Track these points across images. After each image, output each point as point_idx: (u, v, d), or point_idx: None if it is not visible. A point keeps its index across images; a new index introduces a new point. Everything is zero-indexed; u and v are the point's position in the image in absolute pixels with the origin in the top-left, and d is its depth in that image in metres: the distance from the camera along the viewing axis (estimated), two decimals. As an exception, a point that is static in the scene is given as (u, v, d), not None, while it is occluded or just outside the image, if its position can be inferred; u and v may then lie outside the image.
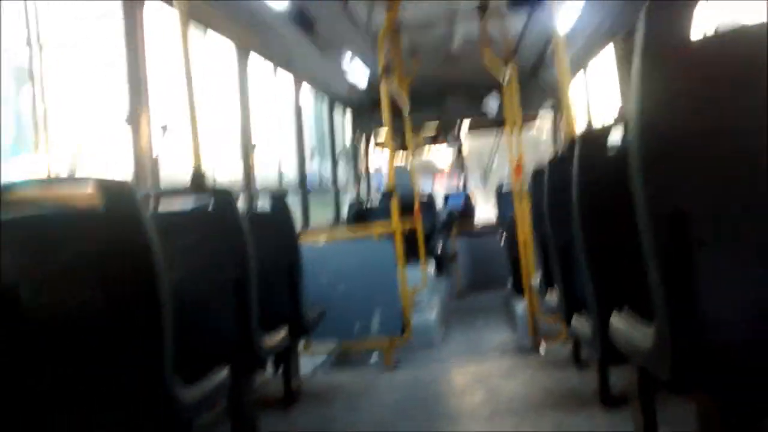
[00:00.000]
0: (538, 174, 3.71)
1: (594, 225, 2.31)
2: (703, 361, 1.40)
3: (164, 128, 3.57)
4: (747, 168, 1.34)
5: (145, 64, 3.49)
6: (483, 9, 5.85)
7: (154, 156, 3.51)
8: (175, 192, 2.86)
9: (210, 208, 2.70)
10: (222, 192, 2.72)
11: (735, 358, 1.39)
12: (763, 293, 1.36)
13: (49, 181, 2.43)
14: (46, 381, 1.94)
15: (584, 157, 2.32)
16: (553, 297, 3.50)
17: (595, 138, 2.36)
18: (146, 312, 1.99)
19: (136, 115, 3.44)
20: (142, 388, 2.02)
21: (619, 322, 1.89)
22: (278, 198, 3.58)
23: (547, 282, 3.73)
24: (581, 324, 2.69)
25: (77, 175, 2.83)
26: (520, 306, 5.83)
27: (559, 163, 3.01)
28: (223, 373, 2.41)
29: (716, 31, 1.40)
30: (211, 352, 2.61)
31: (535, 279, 4.46)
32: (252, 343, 2.78)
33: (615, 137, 2.30)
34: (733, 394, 1.44)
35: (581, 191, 2.33)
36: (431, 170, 14.00)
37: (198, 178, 2.96)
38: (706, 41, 1.37)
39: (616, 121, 2.34)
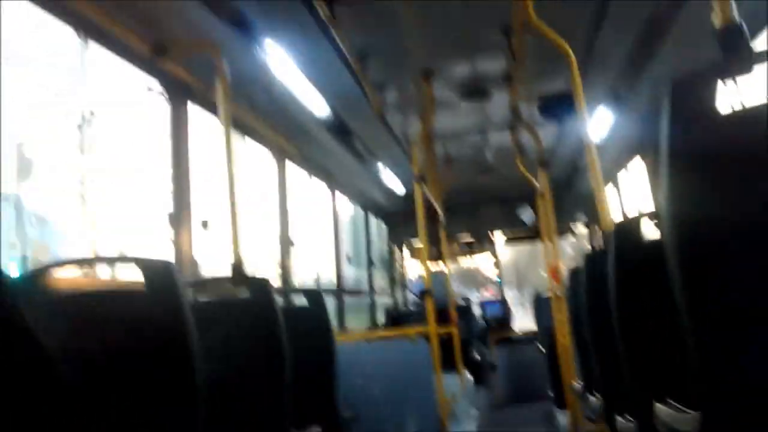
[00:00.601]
0: (574, 273, 3.68)
1: (632, 316, 2.27)
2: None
3: (205, 224, 3.68)
4: None
5: (188, 163, 3.65)
6: (515, 120, 6.01)
7: (194, 252, 3.60)
8: (215, 281, 2.92)
9: (248, 297, 2.74)
10: (259, 282, 2.76)
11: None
12: None
13: (95, 260, 2.52)
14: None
15: (620, 247, 2.31)
16: (595, 401, 3.39)
17: (629, 227, 2.36)
18: (182, 390, 1.99)
19: (179, 213, 3.56)
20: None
21: (661, 411, 1.83)
22: (314, 294, 3.61)
23: (588, 386, 3.62)
24: (624, 425, 2.59)
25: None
26: (562, 417, 5.63)
27: (596, 257, 2.99)
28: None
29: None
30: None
31: (576, 385, 4.33)
32: (284, 438, 2.73)
33: (649, 227, 2.31)
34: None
35: (618, 282, 2.30)
36: (478, 281, 13.86)
37: (237, 269, 3.02)
38: (735, 114, 1.38)
39: (651, 213, 2.34)
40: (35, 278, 2.04)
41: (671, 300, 1.42)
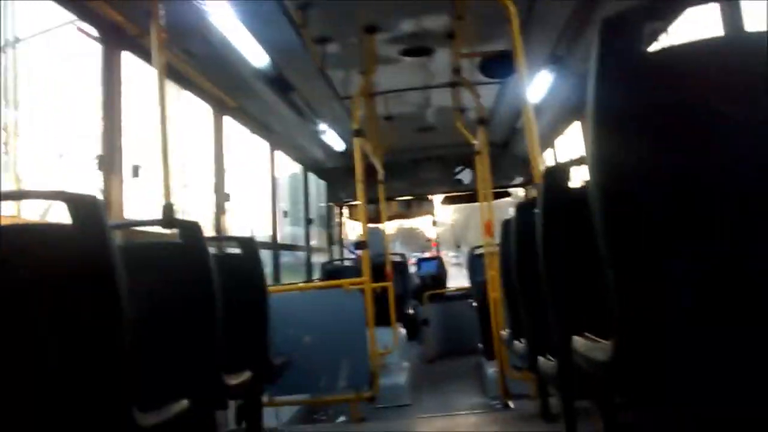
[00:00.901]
0: (506, 225, 3.76)
1: (556, 257, 2.35)
2: (662, 368, 1.42)
3: (136, 170, 3.62)
4: (705, 178, 1.37)
5: (120, 110, 3.57)
6: (456, 78, 6.05)
7: (124, 197, 3.54)
8: (143, 224, 2.88)
9: (178, 241, 2.72)
10: (190, 224, 2.74)
11: (697, 363, 1.40)
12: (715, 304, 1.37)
13: (19, 193, 2.45)
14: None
15: (548, 190, 2.38)
16: (520, 346, 3.50)
17: (558, 172, 2.43)
18: (106, 328, 1.98)
19: (109, 158, 3.49)
20: (97, 407, 1.99)
21: (578, 342, 1.92)
22: (247, 242, 3.60)
23: (516, 334, 3.74)
24: (546, 363, 2.69)
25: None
26: (490, 368, 5.81)
27: (526, 206, 3.06)
28: (182, 404, 2.38)
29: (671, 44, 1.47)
30: (172, 384, 2.57)
31: (504, 333, 4.47)
32: (214, 380, 2.75)
33: (579, 172, 2.39)
34: (696, 400, 1.44)
35: (544, 224, 2.38)
36: (420, 241, 13.96)
37: (167, 211, 2.99)
38: (661, 53, 1.42)
39: (579, 159, 2.41)
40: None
41: (594, 240, 1.48)
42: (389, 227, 7.86)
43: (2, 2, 2.93)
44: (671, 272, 1.38)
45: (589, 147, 1.44)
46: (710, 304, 1.37)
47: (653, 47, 1.41)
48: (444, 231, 12.61)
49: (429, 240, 14.10)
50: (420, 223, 13.23)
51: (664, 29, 4.13)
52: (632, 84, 1.41)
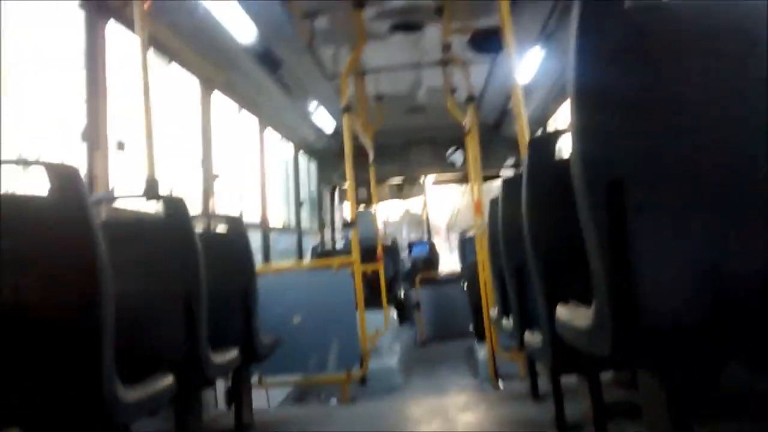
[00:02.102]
0: (494, 202, 3.72)
1: (542, 225, 2.32)
2: (643, 333, 1.40)
3: (121, 145, 3.55)
4: (681, 135, 1.37)
5: (104, 82, 3.49)
6: (446, 55, 5.98)
7: (108, 172, 3.48)
8: (126, 197, 2.83)
9: (162, 217, 2.66)
10: (174, 200, 2.68)
11: (674, 327, 1.39)
12: (698, 259, 1.36)
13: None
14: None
15: (532, 162, 2.35)
16: (508, 323, 3.47)
17: (544, 142, 2.39)
18: (86, 301, 1.93)
19: (93, 131, 3.42)
20: (78, 381, 1.95)
21: (562, 311, 1.89)
22: (235, 221, 3.54)
23: (504, 310, 3.71)
24: (532, 338, 2.66)
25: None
26: (481, 349, 5.80)
27: (513, 181, 3.02)
28: (166, 380, 2.34)
29: None
30: (157, 360, 2.53)
31: (493, 312, 4.45)
32: (199, 356, 2.70)
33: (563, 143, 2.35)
34: (674, 365, 1.43)
35: (529, 197, 2.34)
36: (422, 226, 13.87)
37: (151, 185, 2.93)
38: (640, 7, 1.40)
39: (564, 130, 2.37)
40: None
41: (577, 213, 1.46)
42: (393, 212, 7.83)
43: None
44: (647, 241, 1.38)
45: (572, 118, 1.44)
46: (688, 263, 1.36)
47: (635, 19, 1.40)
48: (454, 215, 12.55)
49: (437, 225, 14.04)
50: (433, 210, 13.12)
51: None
52: (611, 56, 1.41)
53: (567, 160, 1.78)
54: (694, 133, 1.36)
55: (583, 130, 1.41)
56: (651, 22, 1.41)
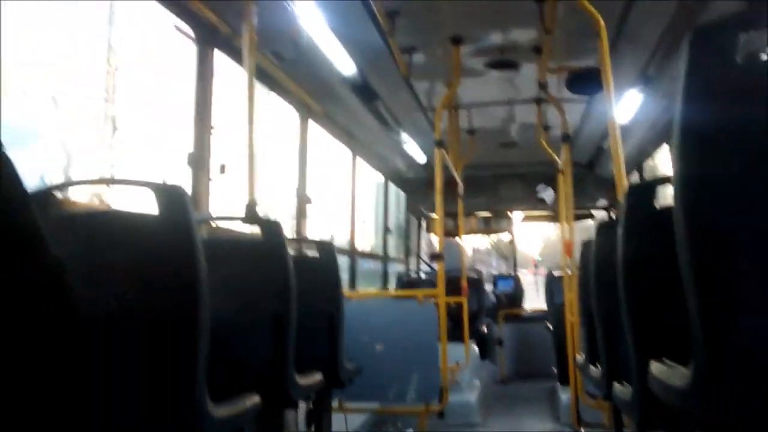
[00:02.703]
0: (586, 246, 3.66)
1: (637, 277, 2.26)
2: (744, 395, 1.35)
3: (222, 168, 3.72)
4: None
5: (211, 109, 3.68)
6: (542, 93, 5.96)
7: (211, 194, 3.65)
8: (227, 218, 2.96)
9: (259, 239, 2.77)
10: (272, 223, 2.79)
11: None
12: None
13: (110, 180, 2.55)
14: (82, 375, 1.98)
15: (631, 209, 2.30)
16: (595, 371, 3.39)
17: (643, 191, 2.34)
18: (185, 317, 2.03)
19: (199, 155, 3.60)
20: (171, 394, 2.04)
21: (656, 368, 1.83)
22: (326, 245, 3.63)
23: (591, 359, 3.62)
24: (621, 390, 2.60)
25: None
26: (564, 393, 5.66)
27: (607, 226, 2.97)
28: (253, 399, 2.41)
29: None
30: (244, 378, 2.62)
31: (579, 358, 4.34)
32: (285, 378, 2.77)
33: (663, 193, 2.29)
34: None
35: (626, 245, 2.29)
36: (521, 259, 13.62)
37: (251, 209, 3.06)
38: (757, 66, 1.34)
39: (665, 178, 2.32)
40: (49, 195, 2.08)
41: (676, 263, 1.42)
42: (480, 244, 7.81)
43: None
44: (755, 300, 1.31)
45: (675, 166, 1.38)
46: None
47: (749, 60, 1.34)
48: (545, 248, 12.38)
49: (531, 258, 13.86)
50: (521, 240, 13.00)
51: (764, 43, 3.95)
52: (723, 99, 1.34)
53: (668, 210, 1.74)
54: None
55: (687, 177, 1.35)
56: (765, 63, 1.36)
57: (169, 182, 2.00)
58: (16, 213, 1.04)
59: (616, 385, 2.68)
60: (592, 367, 3.52)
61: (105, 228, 2.04)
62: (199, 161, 3.62)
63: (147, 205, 2.04)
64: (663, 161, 7.15)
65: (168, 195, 1.99)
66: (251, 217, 3.04)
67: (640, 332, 2.23)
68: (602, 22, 3.60)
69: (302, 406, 3.70)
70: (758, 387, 1.31)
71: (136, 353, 2.04)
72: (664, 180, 2.30)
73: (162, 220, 2.02)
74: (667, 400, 1.73)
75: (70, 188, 2.10)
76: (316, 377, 3.18)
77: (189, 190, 3.62)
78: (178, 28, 3.63)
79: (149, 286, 2.04)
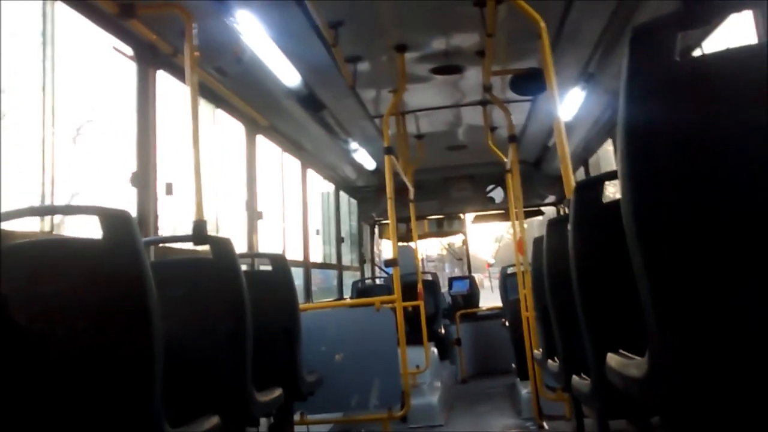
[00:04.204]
0: (537, 242, 3.71)
1: (590, 271, 2.30)
2: (698, 384, 1.38)
3: (169, 188, 3.66)
4: (737, 186, 1.33)
5: (154, 128, 3.62)
6: (487, 96, 6.03)
7: (157, 214, 3.59)
8: (175, 239, 2.91)
9: (210, 257, 2.73)
10: (221, 241, 2.76)
11: (731, 378, 1.35)
12: (759, 315, 1.33)
13: (51, 209, 2.49)
14: (34, 407, 1.92)
15: (579, 205, 2.34)
16: (554, 365, 3.44)
17: (589, 185, 2.39)
18: (137, 343, 1.99)
19: (143, 173, 3.54)
20: (127, 421, 2.00)
21: (613, 359, 1.87)
22: (278, 259, 3.61)
23: (549, 353, 3.68)
24: (580, 382, 2.64)
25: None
26: (524, 388, 5.73)
27: (557, 222, 3.02)
28: (212, 420, 2.38)
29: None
30: (202, 399, 2.58)
31: (537, 353, 4.40)
32: (244, 397, 2.74)
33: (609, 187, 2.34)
34: (729, 419, 1.39)
35: (577, 240, 2.33)
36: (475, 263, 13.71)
37: (199, 227, 3.01)
38: (694, 62, 1.39)
39: (611, 173, 2.37)
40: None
41: (627, 255, 1.44)
42: (434, 248, 7.85)
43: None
44: (705, 289, 1.35)
45: (621, 162, 1.41)
46: (748, 314, 1.33)
47: (686, 57, 1.38)
48: (498, 252, 12.50)
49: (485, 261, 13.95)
50: (475, 244, 13.11)
51: (698, 41, 4.07)
52: (663, 95, 1.37)
53: (615, 204, 1.77)
54: (749, 180, 1.32)
55: (633, 173, 1.38)
56: (706, 63, 1.39)
57: (113, 206, 1.96)
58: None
59: (575, 378, 2.73)
60: (550, 361, 3.57)
61: (49, 256, 1.99)
62: (143, 181, 3.55)
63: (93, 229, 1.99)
64: (606, 157, 7.30)
65: (113, 219, 1.96)
66: (200, 236, 3.00)
67: (595, 325, 2.28)
68: (543, 23, 3.67)
69: (264, 422, 3.67)
70: (712, 373, 1.35)
71: (89, 381, 2.00)
72: (611, 175, 2.36)
73: (108, 245, 1.98)
74: (625, 390, 1.76)
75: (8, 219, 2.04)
76: (276, 392, 3.15)
77: (134, 212, 3.56)
78: (117, 49, 3.57)
79: (99, 312, 2.00)
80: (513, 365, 6.29)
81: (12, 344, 1.89)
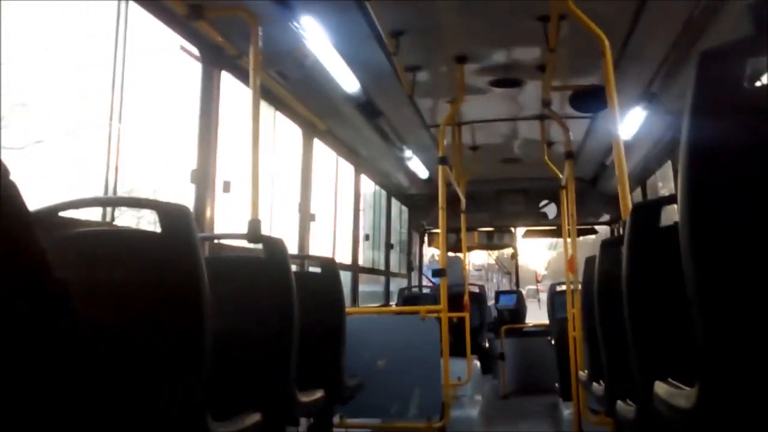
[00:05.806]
0: (589, 261, 3.66)
1: (642, 296, 2.27)
2: (749, 421, 1.34)
3: (227, 185, 3.74)
4: None
5: (216, 127, 3.71)
6: (545, 111, 5.98)
7: (214, 211, 3.67)
8: (230, 236, 2.98)
9: (262, 257, 2.78)
10: (274, 241, 2.81)
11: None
12: None
13: (112, 200, 2.57)
14: (85, 393, 1.99)
15: (636, 228, 2.31)
16: (598, 388, 3.39)
17: (647, 210, 2.35)
18: (188, 335, 2.04)
19: (202, 173, 3.63)
20: (173, 411, 2.04)
21: (660, 388, 1.84)
22: (328, 262, 3.65)
23: (594, 376, 3.62)
24: (625, 408, 2.59)
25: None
26: (566, 409, 5.65)
27: (611, 243, 2.98)
28: (254, 417, 2.42)
29: None
30: (245, 396, 2.62)
31: (582, 374, 4.34)
32: (286, 396, 2.78)
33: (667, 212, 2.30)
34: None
35: (630, 263, 2.30)
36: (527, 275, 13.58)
37: (254, 226, 3.07)
38: (761, 89, 1.34)
39: (669, 197, 2.32)
40: (53, 215, 2.10)
41: (681, 282, 1.42)
42: (480, 257, 7.80)
43: None
44: (762, 320, 1.31)
45: (682, 184, 1.38)
46: None
47: (756, 84, 1.35)
48: (551, 263, 12.36)
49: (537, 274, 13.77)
50: (528, 256, 13.00)
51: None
52: (729, 120, 1.35)
53: (671, 228, 1.74)
54: None
55: (693, 196, 1.35)
56: None
57: (173, 201, 2.02)
58: (19, 235, 1.05)
59: (620, 403, 2.69)
60: (594, 384, 3.52)
61: (109, 247, 2.06)
62: (202, 179, 3.64)
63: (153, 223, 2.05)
64: (665, 178, 7.16)
65: (172, 214, 2.01)
66: (254, 234, 3.06)
67: (645, 351, 2.23)
68: (606, 41, 3.62)
69: (303, 421, 3.71)
70: (765, 408, 1.32)
71: (138, 371, 2.05)
72: (670, 199, 2.31)
73: (165, 239, 2.03)
74: (671, 420, 1.73)
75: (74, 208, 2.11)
76: (318, 394, 3.19)
77: (192, 208, 3.64)
78: (183, 49, 3.67)
79: (152, 303, 2.06)
80: (556, 384, 6.20)
81: (68, 329, 1.96)
